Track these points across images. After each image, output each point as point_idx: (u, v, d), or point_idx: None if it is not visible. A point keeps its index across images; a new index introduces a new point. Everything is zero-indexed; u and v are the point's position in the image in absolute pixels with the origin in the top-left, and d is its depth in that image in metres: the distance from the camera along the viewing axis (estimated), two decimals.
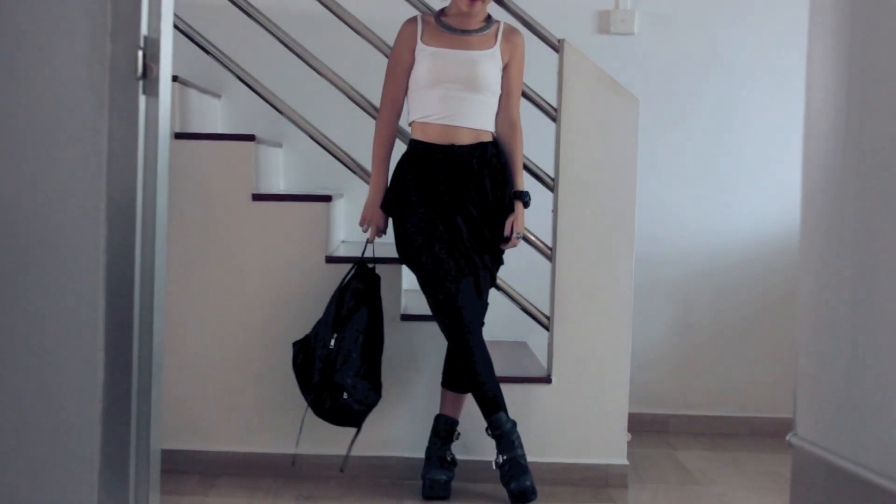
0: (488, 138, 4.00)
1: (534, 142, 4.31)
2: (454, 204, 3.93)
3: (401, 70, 4.04)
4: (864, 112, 2.14)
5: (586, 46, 4.40)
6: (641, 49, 5.19)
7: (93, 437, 2.52)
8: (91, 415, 2.52)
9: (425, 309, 4.05)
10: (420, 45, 3.99)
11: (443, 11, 4.08)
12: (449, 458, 4.06)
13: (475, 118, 3.96)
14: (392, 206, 4.03)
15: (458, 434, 4.10)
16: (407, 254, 4.00)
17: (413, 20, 4.06)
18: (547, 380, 4.22)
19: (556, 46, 4.27)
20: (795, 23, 4.84)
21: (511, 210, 4.00)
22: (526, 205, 4.04)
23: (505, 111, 4.05)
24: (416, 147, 4.01)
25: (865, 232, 2.13)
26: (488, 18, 4.06)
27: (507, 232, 4.00)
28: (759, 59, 5.20)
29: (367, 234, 4.08)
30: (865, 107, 2.14)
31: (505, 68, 4.02)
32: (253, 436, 4.27)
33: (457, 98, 3.93)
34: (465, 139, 3.95)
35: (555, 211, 4.28)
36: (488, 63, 3.96)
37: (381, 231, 4.07)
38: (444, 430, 4.07)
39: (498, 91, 4.02)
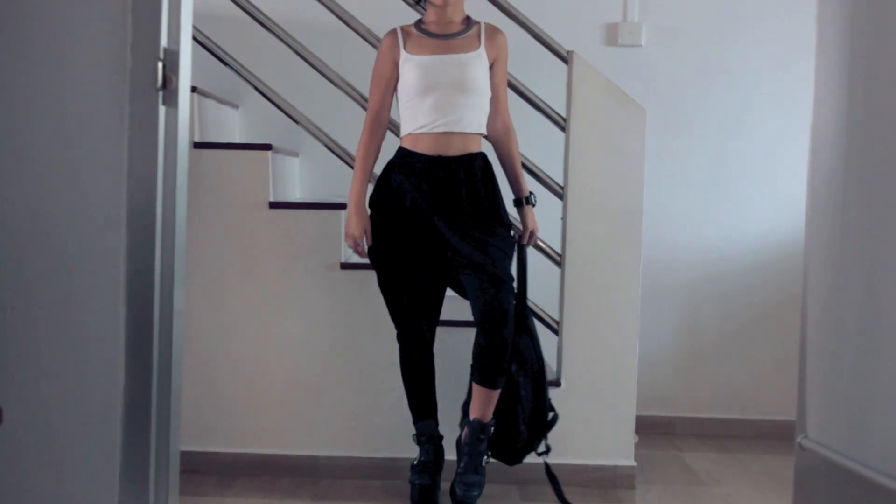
0: (477, 147, 3.89)
1: (543, 151, 4.35)
2: (434, 211, 3.85)
3: (383, 85, 3.95)
4: (868, 120, 2.16)
5: (595, 58, 4.45)
6: (648, 61, 5.21)
7: (113, 439, 2.53)
8: (112, 418, 2.53)
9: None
10: (404, 56, 3.89)
11: (421, 20, 4.01)
12: (483, 464, 3.90)
13: (468, 122, 3.85)
14: (375, 209, 3.95)
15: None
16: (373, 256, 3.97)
17: (393, 32, 3.96)
18: (556, 383, 4.24)
19: (566, 58, 4.30)
20: (799, 36, 4.97)
21: (499, 214, 3.89)
22: (533, 204, 4.03)
23: (495, 113, 3.97)
24: (402, 155, 3.92)
25: (872, 235, 2.12)
26: (468, 20, 3.98)
27: (525, 240, 4.00)
28: (763, 70, 5.21)
29: (355, 248, 3.93)
30: (870, 116, 2.16)
31: (490, 68, 3.93)
32: (270, 437, 4.31)
33: (449, 103, 3.82)
34: (455, 150, 3.84)
35: (563, 218, 4.31)
36: (476, 64, 3.87)
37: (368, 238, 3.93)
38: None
39: (488, 92, 3.92)
